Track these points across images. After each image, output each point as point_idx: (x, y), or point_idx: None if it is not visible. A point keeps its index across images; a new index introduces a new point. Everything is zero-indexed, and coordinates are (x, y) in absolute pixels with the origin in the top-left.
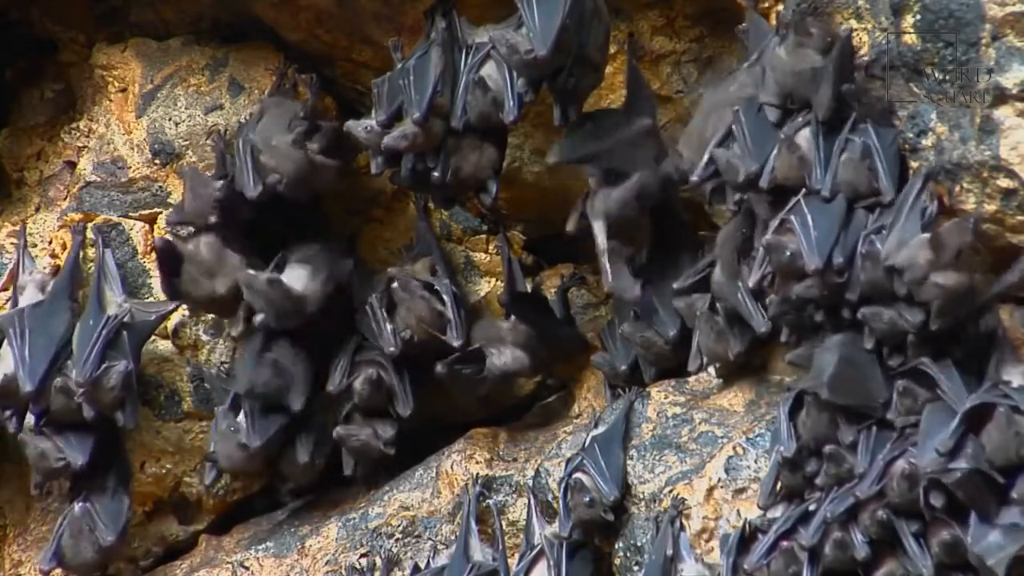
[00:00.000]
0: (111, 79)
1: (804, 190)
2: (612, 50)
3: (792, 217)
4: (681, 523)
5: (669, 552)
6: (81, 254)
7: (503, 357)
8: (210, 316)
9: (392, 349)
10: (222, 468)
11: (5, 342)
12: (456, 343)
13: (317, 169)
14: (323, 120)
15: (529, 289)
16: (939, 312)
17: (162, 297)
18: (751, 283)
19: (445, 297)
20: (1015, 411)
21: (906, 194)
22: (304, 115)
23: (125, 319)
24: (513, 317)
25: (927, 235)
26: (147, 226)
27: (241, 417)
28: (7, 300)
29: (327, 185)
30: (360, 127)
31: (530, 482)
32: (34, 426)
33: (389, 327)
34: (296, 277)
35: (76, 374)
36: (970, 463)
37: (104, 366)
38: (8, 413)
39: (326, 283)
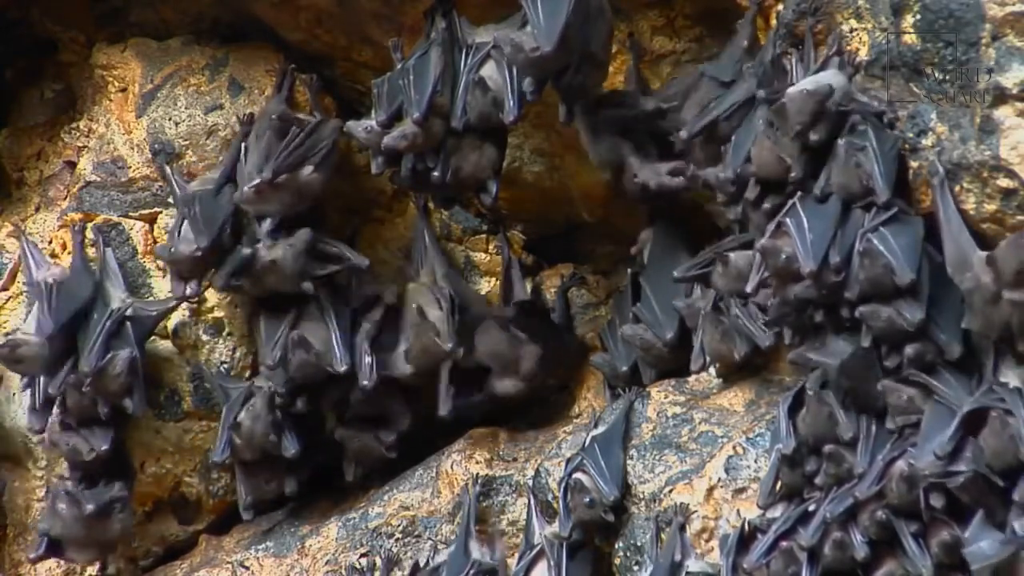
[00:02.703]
0: (111, 79)
1: (799, 192)
2: (612, 49)
3: (787, 220)
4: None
5: (678, 556)
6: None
7: (504, 385)
8: (211, 316)
9: (366, 383)
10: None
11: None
12: (447, 347)
13: (302, 189)
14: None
15: (529, 289)
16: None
17: (162, 296)
18: (749, 288)
19: (443, 303)
20: (1008, 414)
21: (936, 204)
22: (278, 117)
23: (128, 313)
24: (523, 336)
25: (984, 254)
26: (147, 226)
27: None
28: (7, 299)
29: (321, 192)
30: (360, 127)
31: (530, 482)
32: (58, 423)
33: (368, 360)
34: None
35: (82, 364)
36: (970, 466)
37: (109, 355)
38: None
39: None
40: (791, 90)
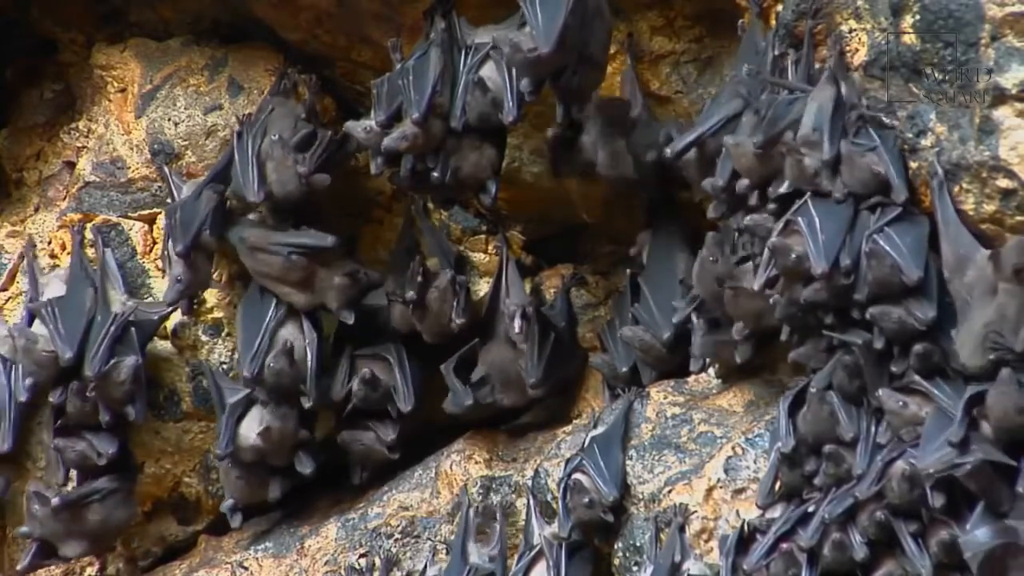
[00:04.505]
0: (110, 79)
1: (809, 192)
2: (612, 50)
3: (799, 219)
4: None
5: (677, 558)
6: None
7: (509, 398)
8: (210, 317)
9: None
10: None
11: (37, 322)
12: (458, 321)
13: (312, 187)
14: (321, 127)
15: (528, 290)
16: None
17: (160, 297)
18: (756, 286)
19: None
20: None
21: (935, 208)
22: (305, 117)
23: (131, 317)
24: (535, 381)
25: (988, 252)
26: (146, 226)
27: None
28: (6, 300)
29: (319, 196)
30: (359, 128)
31: (529, 482)
32: (57, 428)
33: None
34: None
35: (86, 369)
36: (976, 455)
37: (113, 361)
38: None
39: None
40: None
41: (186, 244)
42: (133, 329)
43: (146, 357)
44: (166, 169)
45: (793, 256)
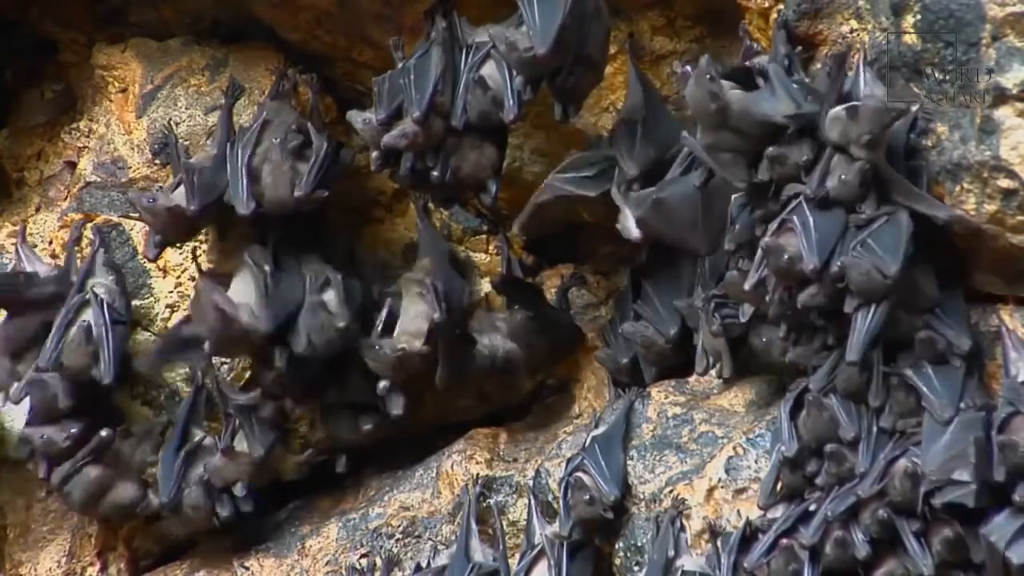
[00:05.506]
0: (111, 79)
1: (803, 193)
2: (612, 50)
3: (793, 217)
4: (681, 523)
5: (671, 553)
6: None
7: (494, 340)
8: None
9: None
10: None
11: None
12: (436, 316)
13: (304, 202)
14: (323, 126)
15: None
16: None
17: (161, 298)
18: (747, 287)
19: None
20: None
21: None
22: (298, 128)
23: (89, 296)
24: (507, 308)
25: None
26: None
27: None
28: None
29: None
30: (359, 118)
31: (530, 482)
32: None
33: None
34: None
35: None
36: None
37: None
38: None
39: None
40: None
41: (201, 206)
42: (93, 305)
43: (114, 327)
44: (172, 137)
45: (785, 257)
